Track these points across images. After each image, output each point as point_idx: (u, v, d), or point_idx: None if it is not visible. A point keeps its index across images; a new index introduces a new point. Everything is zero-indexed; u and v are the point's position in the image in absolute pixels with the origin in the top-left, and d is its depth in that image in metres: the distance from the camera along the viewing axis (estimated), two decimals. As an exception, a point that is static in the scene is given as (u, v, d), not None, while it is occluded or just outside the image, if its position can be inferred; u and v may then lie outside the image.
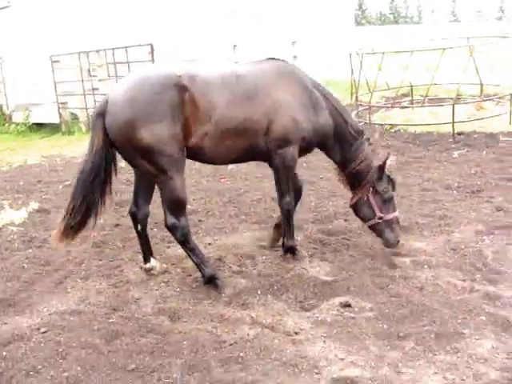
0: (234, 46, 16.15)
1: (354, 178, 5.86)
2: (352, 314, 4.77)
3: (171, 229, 5.27)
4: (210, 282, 5.35)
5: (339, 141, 5.86)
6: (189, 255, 5.42)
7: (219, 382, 3.95)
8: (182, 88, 4.97)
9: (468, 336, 4.32)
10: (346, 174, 5.93)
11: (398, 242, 5.83)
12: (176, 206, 5.19)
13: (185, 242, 5.31)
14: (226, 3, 17.74)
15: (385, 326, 4.55)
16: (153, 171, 5.06)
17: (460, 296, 4.98)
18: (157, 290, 5.43)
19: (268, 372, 4.03)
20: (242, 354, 4.25)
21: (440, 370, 3.95)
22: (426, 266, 5.57)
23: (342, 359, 4.15)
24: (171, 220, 5.20)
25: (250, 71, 5.54)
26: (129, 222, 6.53)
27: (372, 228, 5.89)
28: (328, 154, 6.04)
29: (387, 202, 5.82)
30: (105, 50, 14.53)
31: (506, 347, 4.17)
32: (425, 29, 37.25)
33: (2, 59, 18.10)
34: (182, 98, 4.95)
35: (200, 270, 5.39)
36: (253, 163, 7.52)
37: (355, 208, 5.93)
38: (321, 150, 6.04)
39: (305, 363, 4.12)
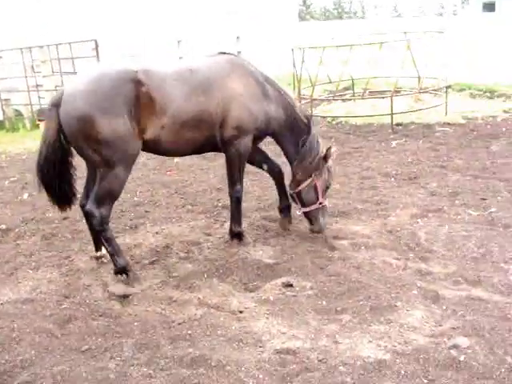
0: (179, 41, 16.23)
1: (307, 164, 6.02)
2: (293, 293, 5.03)
3: (90, 215, 5.31)
4: (121, 272, 5.41)
5: (292, 129, 6.09)
6: (103, 244, 5.52)
7: (169, 357, 4.16)
8: (138, 83, 5.12)
9: (400, 308, 4.65)
10: (300, 160, 6.06)
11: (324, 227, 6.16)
12: (108, 197, 5.27)
13: (102, 230, 5.35)
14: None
15: (324, 303, 4.84)
16: (101, 162, 5.14)
17: (394, 273, 5.31)
18: (107, 276, 5.58)
19: (214, 347, 4.26)
20: (189, 332, 4.47)
21: (374, 338, 4.27)
22: (363, 248, 5.88)
23: (284, 333, 4.43)
24: (93, 207, 5.25)
25: (203, 65, 5.75)
26: (77, 214, 6.69)
27: (308, 213, 6.12)
28: (281, 143, 6.25)
29: (326, 190, 6.15)
30: (48, 45, 14.43)
31: (434, 317, 4.52)
32: (368, 24, 37.93)
33: None
34: (138, 92, 5.10)
35: (113, 260, 5.46)
36: (198, 155, 7.72)
37: (302, 193, 6.07)
38: (274, 139, 6.27)
39: (249, 338, 4.37)
